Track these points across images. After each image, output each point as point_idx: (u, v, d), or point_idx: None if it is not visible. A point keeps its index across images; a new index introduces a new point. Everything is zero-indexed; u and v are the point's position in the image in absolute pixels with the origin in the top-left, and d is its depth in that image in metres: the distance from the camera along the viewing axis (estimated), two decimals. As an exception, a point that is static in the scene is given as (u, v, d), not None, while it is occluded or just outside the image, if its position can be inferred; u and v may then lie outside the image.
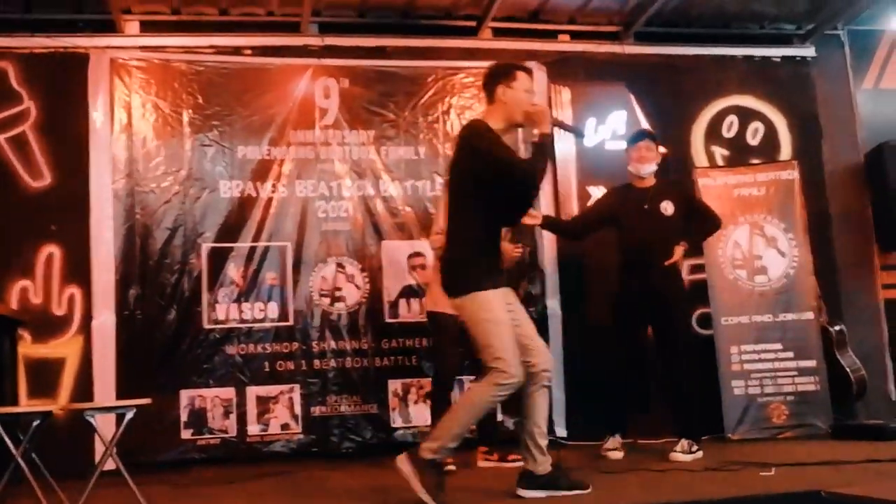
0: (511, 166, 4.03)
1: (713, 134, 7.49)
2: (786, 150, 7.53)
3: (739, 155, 7.45)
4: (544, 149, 4.13)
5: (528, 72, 4.32)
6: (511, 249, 5.69)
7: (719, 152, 7.49)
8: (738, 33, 7.81)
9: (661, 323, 5.73)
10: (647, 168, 5.82)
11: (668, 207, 5.74)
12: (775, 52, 7.74)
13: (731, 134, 7.53)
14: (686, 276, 7.00)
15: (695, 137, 7.46)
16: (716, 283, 6.69)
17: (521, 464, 5.29)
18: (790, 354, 6.54)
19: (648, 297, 5.65)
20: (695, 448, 5.43)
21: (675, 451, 5.41)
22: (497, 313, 4.02)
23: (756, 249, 6.73)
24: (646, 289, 5.65)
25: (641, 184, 5.86)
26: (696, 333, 6.98)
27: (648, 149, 5.83)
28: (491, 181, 4.02)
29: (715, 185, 6.84)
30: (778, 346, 6.56)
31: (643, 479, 4.65)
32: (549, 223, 6.10)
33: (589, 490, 4.12)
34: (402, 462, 3.98)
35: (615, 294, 5.90)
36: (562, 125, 4.39)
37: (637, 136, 5.91)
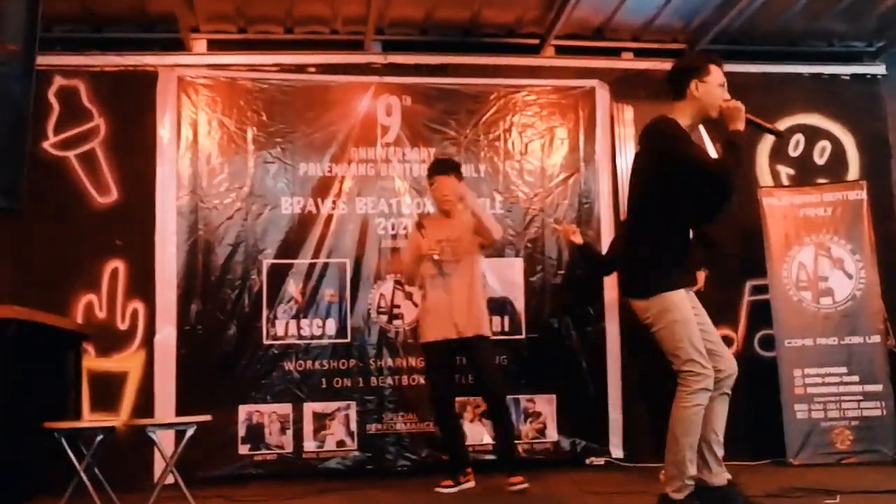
0: (703, 166, 3.84)
1: (779, 153, 7.34)
2: (854, 170, 7.37)
3: (806, 174, 7.32)
4: (738, 147, 3.89)
5: (720, 64, 4.04)
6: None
7: (785, 171, 7.36)
8: (805, 51, 7.65)
9: None
10: None
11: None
12: (844, 70, 7.59)
13: (798, 153, 7.38)
14: (747, 297, 6.93)
15: (760, 156, 7.32)
16: (779, 305, 6.58)
17: (521, 486, 5.23)
18: (855, 378, 6.41)
19: None
20: None
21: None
22: (685, 313, 3.83)
23: (822, 271, 6.61)
24: None
25: None
26: (757, 355, 6.92)
27: None
28: (681, 181, 3.83)
29: (780, 205, 6.75)
30: (843, 369, 6.43)
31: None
32: (586, 250, 6.06)
33: None
34: None
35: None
36: (757, 123, 4.17)
37: None
